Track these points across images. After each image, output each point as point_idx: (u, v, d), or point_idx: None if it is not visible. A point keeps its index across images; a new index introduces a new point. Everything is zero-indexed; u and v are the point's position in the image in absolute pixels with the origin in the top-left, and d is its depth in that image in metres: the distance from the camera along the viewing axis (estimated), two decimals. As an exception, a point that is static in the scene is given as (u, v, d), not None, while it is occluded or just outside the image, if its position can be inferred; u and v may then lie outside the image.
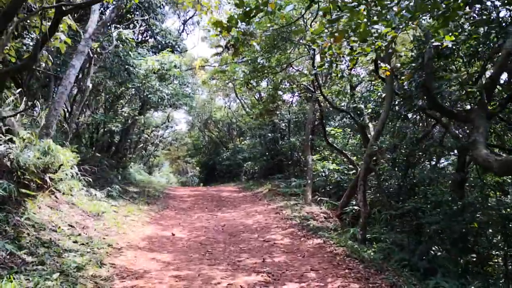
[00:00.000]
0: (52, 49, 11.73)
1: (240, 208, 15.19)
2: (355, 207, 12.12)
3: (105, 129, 17.23)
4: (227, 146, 33.84)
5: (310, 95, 13.78)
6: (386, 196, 10.20)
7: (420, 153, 10.26)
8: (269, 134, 21.86)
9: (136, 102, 18.11)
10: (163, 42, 17.54)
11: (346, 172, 14.91)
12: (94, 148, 18.84)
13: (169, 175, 51.66)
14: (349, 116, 12.76)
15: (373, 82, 12.16)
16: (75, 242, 7.84)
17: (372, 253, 8.26)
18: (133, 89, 15.71)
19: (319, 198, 14.03)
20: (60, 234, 7.86)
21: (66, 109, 17.66)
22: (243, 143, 32.00)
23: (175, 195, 19.26)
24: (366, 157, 9.03)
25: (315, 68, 11.48)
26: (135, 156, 29.77)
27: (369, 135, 12.80)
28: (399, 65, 10.07)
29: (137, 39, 18.26)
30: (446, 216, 8.17)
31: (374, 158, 11.84)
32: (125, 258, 7.71)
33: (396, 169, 10.50)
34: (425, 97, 8.32)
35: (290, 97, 21.27)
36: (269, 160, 22.47)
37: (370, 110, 11.59)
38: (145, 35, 18.51)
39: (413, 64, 8.58)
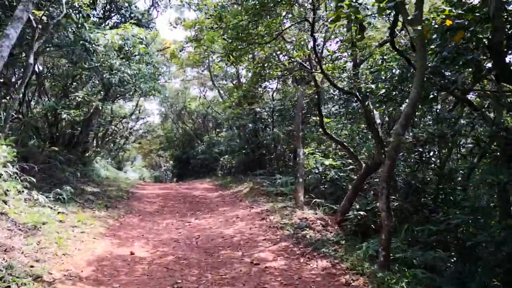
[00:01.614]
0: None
1: (218, 212, 12.79)
2: (360, 213, 9.91)
3: (60, 119, 14.52)
4: (202, 139, 31.62)
5: (304, 75, 11.44)
6: (415, 204, 7.94)
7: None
8: (250, 125, 19.45)
9: (96, 86, 15.40)
10: (128, 16, 14.92)
11: (343, 168, 12.63)
12: (52, 142, 16.23)
13: (142, 169, 49.71)
14: (355, 99, 10.39)
15: (385, 57, 9.85)
16: (-19, 277, 5.42)
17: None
18: (90, 70, 13.06)
19: (314, 200, 11.70)
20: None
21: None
22: (219, 135, 29.67)
23: (142, 195, 16.75)
24: (391, 150, 6.72)
25: (315, 34, 9.13)
26: (101, 150, 27.13)
27: (376, 124, 10.58)
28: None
29: (99, 14, 15.64)
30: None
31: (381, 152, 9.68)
32: (53, 303, 5.31)
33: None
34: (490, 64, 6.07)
35: (272, 83, 18.89)
36: (249, 154, 20.06)
37: (383, 91, 9.27)
38: (107, 8, 15.81)
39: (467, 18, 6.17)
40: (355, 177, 12.73)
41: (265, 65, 9.86)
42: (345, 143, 11.45)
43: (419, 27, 6.02)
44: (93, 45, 11.78)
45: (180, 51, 13.63)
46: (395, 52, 9.29)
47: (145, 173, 47.88)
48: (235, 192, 16.48)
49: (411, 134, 8.17)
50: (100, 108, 15.48)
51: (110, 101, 20.45)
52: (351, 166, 12.97)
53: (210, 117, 33.54)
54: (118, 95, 20.64)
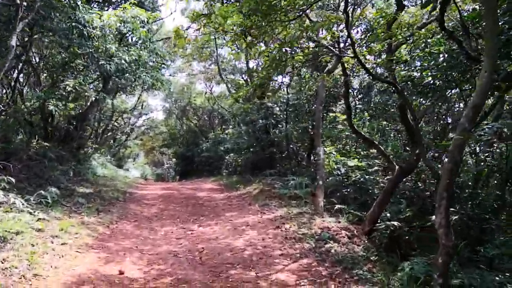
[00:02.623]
0: None
1: (225, 217, 11.25)
2: (394, 223, 8.36)
3: (54, 112, 12.96)
4: (207, 136, 30.17)
5: (326, 62, 9.85)
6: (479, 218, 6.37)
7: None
8: (260, 121, 17.87)
9: (91, 75, 13.84)
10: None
11: (368, 170, 11.07)
12: (46, 137, 14.75)
13: (144, 167, 48.53)
14: (392, 89, 8.79)
15: (429, 40, 8.28)
16: None
17: None
18: (83, 57, 11.51)
19: (336, 207, 10.14)
20: None
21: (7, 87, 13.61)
22: (226, 132, 28.17)
23: (141, 196, 15.22)
24: (454, 151, 5.15)
25: (348, 9, 7.55)
26: (100, 146, 25.69)
27: (411, 120, 9.04)
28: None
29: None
30: None
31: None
32: None
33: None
34: None
35: (286, 76, 17.29)
36: (258, 152, 18.46)
37: (429, 80, 7.68)
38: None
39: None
40: (382, 180, 11.24)
41: (288, 48, 8.27)
42: (375, 142, 9.86)
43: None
44: (88, 28, 10.26)
45: (186, 29, 12.04)
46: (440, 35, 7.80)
47: (147, 171, 46.67)
48: (243, 194, 14.94)
49: (486, 129, 6.57)
50: (94, 99, 13.92)
51: (110, 94, 19.01)
52: (375, 168, 11.43)
53: (216, 113, 32.30)
54: (118, 87, 19.13)
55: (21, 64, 12.75)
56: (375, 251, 7.80)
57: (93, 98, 13.78)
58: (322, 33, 9.44)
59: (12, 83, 13.06)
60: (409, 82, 8.68)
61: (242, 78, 26.55)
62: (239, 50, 19.74)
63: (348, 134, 14.62)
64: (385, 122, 14.05)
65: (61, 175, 12.87)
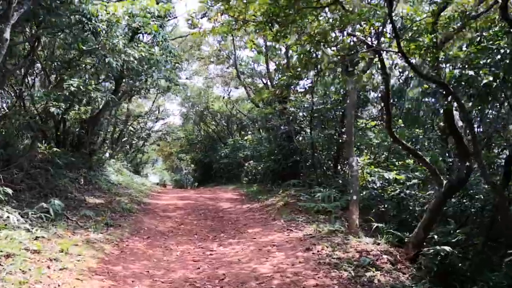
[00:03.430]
0: None
1: (247, 235, 10.12)
2: (446, 248, 7.16)
3: (52, 115, 11.97)
4: (226, 142, 29.23)
5: (358, 60, 8.65)
6: None
7: None
8: (282, 127, 16.74)
9: (100, 75, 12.85)
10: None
11: (408, 183, 9.86)
12: (58, 142, 13.86)
13: (163, 172, 48.01)
14: (441, 90, 7.56)
15: (484, 34, 7.10)
16: None
17: None
18: (90, 54, 10.50)
19: (374, 225, 8.93)
20: None
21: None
22: (245, 138, 27.15)
23: (156, 207, 14.19)
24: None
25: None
26: (116, 152, 24.88)
27: (458, 127, 7.86)
28: None
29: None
30: None
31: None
32: None
33: None
34: None
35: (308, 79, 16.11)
36: (281, 161, 17.32)
37: (489, 80, 6.48)
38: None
39: None
40: (421, 194, 10.02)
41: (320, 40, 7.13)
42: (419, 153, 8.64)
43: None
44: (93, 21, 9.25)
45: (202, 17, 10.92)
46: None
47: (166, 176, 46.05)
48: (265, 206, 13.79)
49: None
50: (105, 102, 12.93)
51: (123, 97, 18.11)
52: (413, 181, 10.20)
53: (234, 118, 31.45)
54: (133, 90, 18.18)
55: (28, 64, 11.87)
56: (426, 283, 6.61)
57: (103, 101, 12.79)
58: (356, 27, 8.26)
59: (18, 85, 12.24)
60: (463, 83, 7.44)
61: (262, 81, 25.54)
62: (259, 49, 18.77)
63: (379, 143, 13.47)
64: (418, 130, 12.87)
65: (68, 183, 11.91)
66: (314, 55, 7.55)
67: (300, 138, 16.50)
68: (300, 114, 16.59)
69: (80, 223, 9.24)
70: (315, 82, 13.32)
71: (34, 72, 13.64)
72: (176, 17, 18.61)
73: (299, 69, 8.21)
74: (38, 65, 12.77)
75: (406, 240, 8.33)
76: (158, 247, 8.84)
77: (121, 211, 11.67)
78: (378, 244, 8.30)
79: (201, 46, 28.05)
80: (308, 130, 15.96)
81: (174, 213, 13.29)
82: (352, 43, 8.29)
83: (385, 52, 8.22)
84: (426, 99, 13.90)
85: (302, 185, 15.07)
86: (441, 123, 14.39)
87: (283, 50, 18.86)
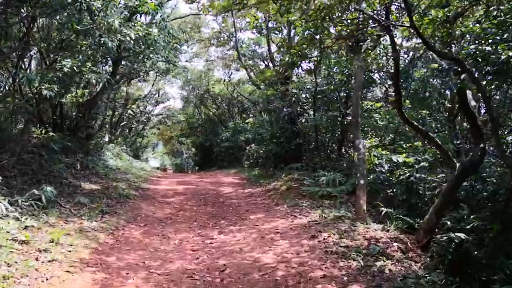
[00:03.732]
0: None
1: (249, 221, 9.69)
2: (461, 235, 6.71)
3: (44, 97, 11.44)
4: (227, 125, 28.81)
5: (367, 38, 8.12)
6: None
7: None
8: (285, 109, 16.23)
9: (93, 55, 12.34)
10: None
11: (417, 166, 9.37)
12: (54, 126, 13.41)
13: (163, 156, 47.71)
14: (458, 69, 7.05)
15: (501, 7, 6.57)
16: None
17: None
18: (85, 34, 9.95)
19: (383, 211, 8.46)
20: None
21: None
22: (246, 121, 26.68)
23: (155, 192, 13.76)
24: None
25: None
26: (114, 136, 24.47)
27: (471, 106, 7.40)
28: None
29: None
30: None
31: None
32: None
33: None
34: None
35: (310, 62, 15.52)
36: (283, 144, 16.83)
37: (508, 55, 5.97)
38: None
39: None
40: (431, 178, 9.52)
41: (326, 16, 6.61)
42: (430, 134, 8.15)
43: None
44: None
45: None
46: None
47: (166, 161, 45.78)
48: (268, 191, 13.37)
49: None
50: (102, 85, 12.43)
51: (121, 80, 17.61)
52: (422, 164, 9.71)
53: (236, 101, 31.08)
54: (131, 72, 17.64)
55: (23, 46, 11.36)
56: (441, 272, 6.18)
57: (100, 84, 12.29)
58: (363, 3, 7.76)
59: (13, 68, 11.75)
60: (478, 59, 6.92)
61: (264, 63, 25.04)
62: (260, 27, 18.27)
63: (385, 125, 12.99)
64: (424, 111, 12.37)
65: (63, 169, 11.45)
66: (319, 30, 7.02)
67: (303, 120, 15.97)
68: (303, 95, 16.05)
69: (73, 211, 8.81)
70: (319, 61, 12.75)
71: (30, 54, 13.14)
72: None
73: (303, 46, 7.66)
74: (35, 48, 12.29)
75: (416, 226, 7.92)
76: (155, 235, 8.42)
77: (118, 197, 11.24)
78: (387, 230, 7.87)
79: (201, 28, 27.57)
80: (311, 112, 15.42)
81: (173, 198, 12.88)
82: (361, 18, 7.74)
83: (394, 29, 7.72)
84: (433, 80, 13.45)
85: (306, 169, 14.62)
86: (448, 104, 13.94)
87: (285, 31, 18.37)
